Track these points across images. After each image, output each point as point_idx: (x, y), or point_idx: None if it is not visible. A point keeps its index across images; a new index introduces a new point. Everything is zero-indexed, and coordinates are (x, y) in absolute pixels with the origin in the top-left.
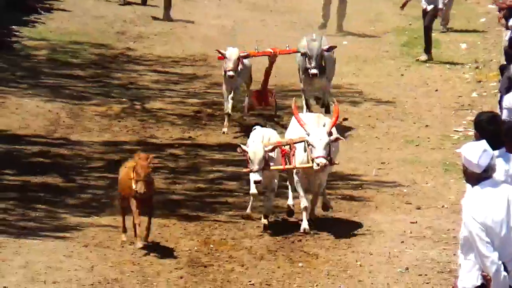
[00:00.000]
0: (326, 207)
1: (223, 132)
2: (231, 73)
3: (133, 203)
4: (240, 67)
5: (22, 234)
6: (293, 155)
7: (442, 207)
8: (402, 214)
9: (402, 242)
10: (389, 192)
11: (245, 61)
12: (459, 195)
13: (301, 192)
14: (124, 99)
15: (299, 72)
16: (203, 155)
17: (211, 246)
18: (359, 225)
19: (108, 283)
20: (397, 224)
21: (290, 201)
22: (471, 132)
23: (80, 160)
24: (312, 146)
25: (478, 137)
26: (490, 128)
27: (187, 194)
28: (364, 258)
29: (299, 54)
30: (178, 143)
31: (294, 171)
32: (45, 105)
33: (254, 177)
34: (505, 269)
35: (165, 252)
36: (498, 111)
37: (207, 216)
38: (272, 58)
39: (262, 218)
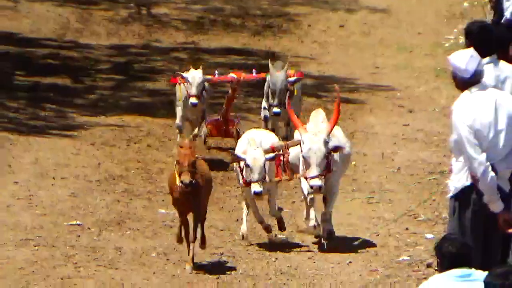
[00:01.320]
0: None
1: None
2: (194, 100)
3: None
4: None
5: (32, 132)
6: (287, 162)
7: (433, 110)
8: (395, 116)
9: (395, 143)
10: (383, 95)
11: (206, 85)
12: (449, 99)
13: (311, 212)
14: (131, 4)
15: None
16: (205, 59)
17: None
18: (353, 127)
19: (113, 179)
20: (390, 127)
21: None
22: (462, 40)
23: (88, 62)
24: (305, 159)
25: (468, 46)
26: (480, 37)
27: None
28: (359, 159)
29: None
30: (182, 47)
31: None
32: (55, 10)
33: (254, 188)
34: (494, 170)
35: (169, 152)
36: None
37: None
38: (235, 84)
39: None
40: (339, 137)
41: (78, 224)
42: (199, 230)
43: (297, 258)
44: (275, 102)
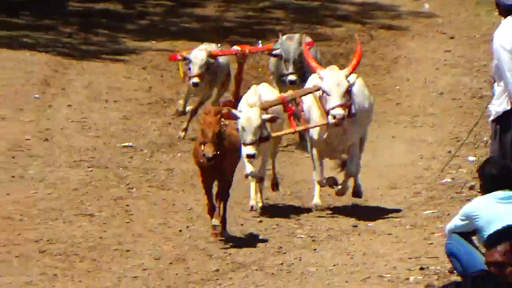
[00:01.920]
0: (358, 192)
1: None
2: (195, 80)
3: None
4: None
5: (85, 57)
6: (302, 111)
7: (474, 37)
8: (437, 43)
9: (437, 69)
10: (425, 22)
11: (220, 59)
12: (490, 26)
13: (316, 163)
14: None
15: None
16: None
17: None
18: (396, 53)
19: (164, 102)
20: (432, 53)
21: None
22: None
23: None
24: (327, 93)
25: None
26: None
27: (238, 21)
28: (402, 84)
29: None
30: None
31: (308, 133)
32: None
33: (246, 150)
34: None
35: None
36: None
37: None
38: (241, 58)
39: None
40: (358, 91)
41: (130, 146)
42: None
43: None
44: (290, 69)
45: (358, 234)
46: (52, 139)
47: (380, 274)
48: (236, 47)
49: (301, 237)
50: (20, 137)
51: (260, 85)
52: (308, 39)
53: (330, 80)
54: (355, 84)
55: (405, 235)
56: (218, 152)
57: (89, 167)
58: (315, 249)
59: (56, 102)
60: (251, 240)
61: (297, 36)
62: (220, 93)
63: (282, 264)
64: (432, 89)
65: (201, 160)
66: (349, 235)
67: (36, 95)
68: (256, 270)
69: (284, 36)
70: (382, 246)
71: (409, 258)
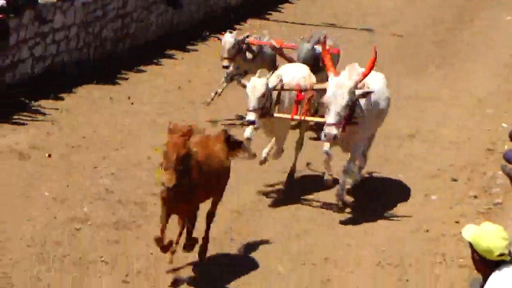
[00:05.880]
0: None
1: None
2: (225, 63)
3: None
4: (249, 56)
5: None
6: (308, 102)
7: None
8: None
9: None
10: None
11: (265, 49)
12: None
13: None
14: None
15: None
16: None
17: None
18: None
19: None
20: None
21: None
22: None
23: None
24: (326, 105)
25: None
26: None
27: None
28: None
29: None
30: None
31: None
32: None
33: (248, 116)
34: None
35: None
36: None
37: None
38: (276, 51)
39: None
40: (376, 88)
41: None
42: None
43: None
44: None
45: None
46: None
47: None
48: (271, 40)
49: None
50: None
51: (296, 65)
52: (331, 43)
53: (333, 92)
54: (377, 84)
55: None
56: (183, 182)
57: None
58: None
59: None
60: None
61: (315, 37)
62: None
63: None
64: None
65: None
66: None
67: None
68: None
69: (311, 34)
70: None
71: None
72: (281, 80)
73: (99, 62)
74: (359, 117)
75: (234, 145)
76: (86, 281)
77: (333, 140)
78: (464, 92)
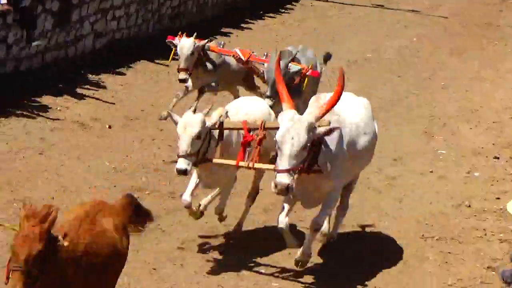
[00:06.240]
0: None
1: None
2: (181, 76)
3: None
4: (209, 66)
5: None
6: (258, 145)
7: None
8: None
9: None
10: None
11: (227, 58)
12: None
13: (285, 207)
14: None
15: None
16: None
17: None
18: None
19: None
20: None
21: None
22: None
23: None
24: (277, 147)
25: None
26: None
27: None
28: None
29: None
30: None
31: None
32: None
33: (178, 164)
34: None
35: None
36: None
37: None
38: (243, 64)
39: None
40: (354, 120)
41: None
42: None
43: None
44: (268, 93)
45: None
46: None
47: None
48: (236, 50)
49: None
50: None
51: (250, 98)
52: (306, 63)
53: (284, 131)
54: (356, 116)
55: None
56: None
57: None
58: None
59: None
60: None
61: (290, 58)
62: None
63: None
64: None
65: None
66: None
67: None
68: None
69: (274, 53)
70: None
71: None
72: (223, 116)
73: (157, 38)
74: (324, 162)
75: (140, 216)
76: (143, 247)
77: (287, 192)
78: (508, 74)
